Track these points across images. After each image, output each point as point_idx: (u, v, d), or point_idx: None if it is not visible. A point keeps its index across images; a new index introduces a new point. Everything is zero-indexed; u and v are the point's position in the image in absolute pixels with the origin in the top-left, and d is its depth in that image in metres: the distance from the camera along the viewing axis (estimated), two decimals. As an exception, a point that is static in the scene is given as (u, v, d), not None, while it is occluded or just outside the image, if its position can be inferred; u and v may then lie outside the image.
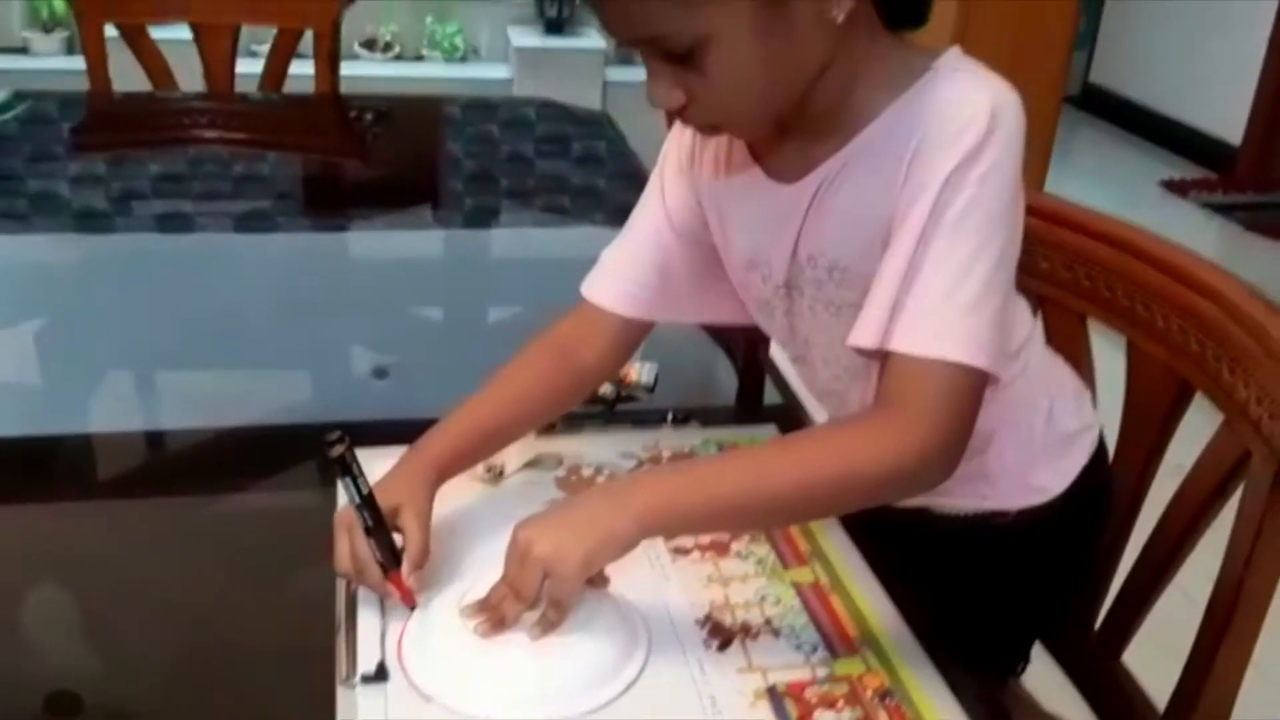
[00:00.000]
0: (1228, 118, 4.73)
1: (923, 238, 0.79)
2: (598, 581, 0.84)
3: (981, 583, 1.05)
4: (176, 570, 0.93)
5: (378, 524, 0.83)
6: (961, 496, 1.02)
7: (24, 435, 1.12)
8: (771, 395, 1.28)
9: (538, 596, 0.78)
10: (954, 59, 0.84)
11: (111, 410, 1.23)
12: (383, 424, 1.17)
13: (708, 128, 0.86)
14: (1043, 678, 1.17)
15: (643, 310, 1.00)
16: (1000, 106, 0.80)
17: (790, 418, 1.18)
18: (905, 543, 0.99)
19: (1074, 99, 5.46)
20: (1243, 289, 1.01)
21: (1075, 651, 1.16)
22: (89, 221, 1.76)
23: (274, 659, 0.85)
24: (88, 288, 1.50)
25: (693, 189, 0.98)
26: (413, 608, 0.84)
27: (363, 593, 0.86)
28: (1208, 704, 1.01)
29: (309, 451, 1.12)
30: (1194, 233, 4.11)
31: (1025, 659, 1.15)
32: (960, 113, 0.79)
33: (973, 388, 0.80)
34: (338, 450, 0.81)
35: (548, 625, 0.78)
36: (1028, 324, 1.04)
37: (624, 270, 0.99)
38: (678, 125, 0.95)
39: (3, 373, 1.32)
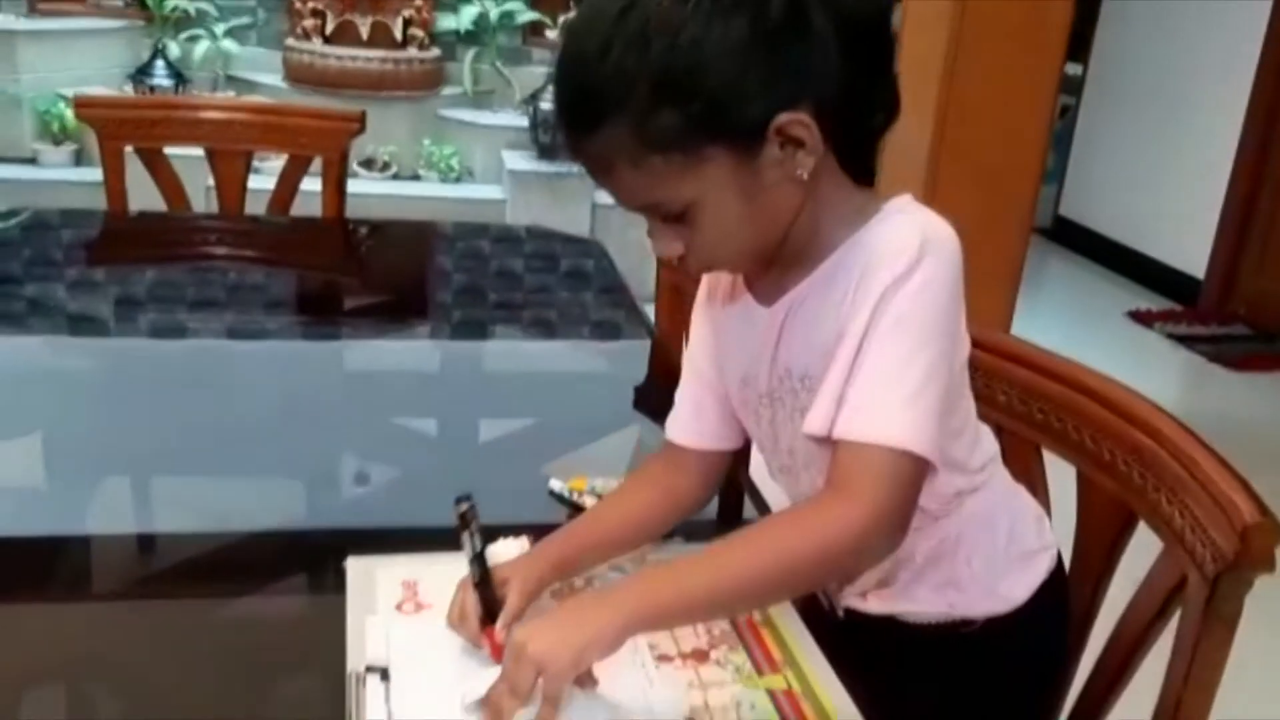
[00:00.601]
0: (1191, 251, 4.93)
1: (863, 341, 0.93)
2: (587, 684, 0.92)
3: (948, 691, 1.13)
4: (172, 673, 0.97)
5: (484, 580, 0.97)
6: (931, 604, 1.11)
7: (22, 535, 1.16)
8: (749, 511, 1.37)
9: (532, 693, 0.85)
10: (902, 203, 0.99)
11: (108, 514, 1.27)
12: (372, 532, 1.24)
13: (701, 269, 1.03)
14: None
15: (709, 441, 1.14)
16: (930, 236, 0.94)
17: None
18: (877, 650, 1.08)
19: (1045, 230, 5.68)
20: (1178, 426, 1.12)
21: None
22: (85, 326, 1.82)
23: (308, 684, 0.92)
24: (83, 392, 1.54)
25: (709, 323, 1.13)
26: (498, 661, 0.92)
27: (370, 691, 0.93)
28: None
29: (300, 557, 1.19)
30: (1158, 362, 4.26)
31: None
32: (896, 242, 0.94)
33: (911, 472, 0.91)
34: (463, 507, 0.96)
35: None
36: (991, 446, 1.15)
37: (684, 408, 1.15)
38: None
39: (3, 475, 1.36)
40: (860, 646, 1.08)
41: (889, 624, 1.12)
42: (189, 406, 1.49)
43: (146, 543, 1.23)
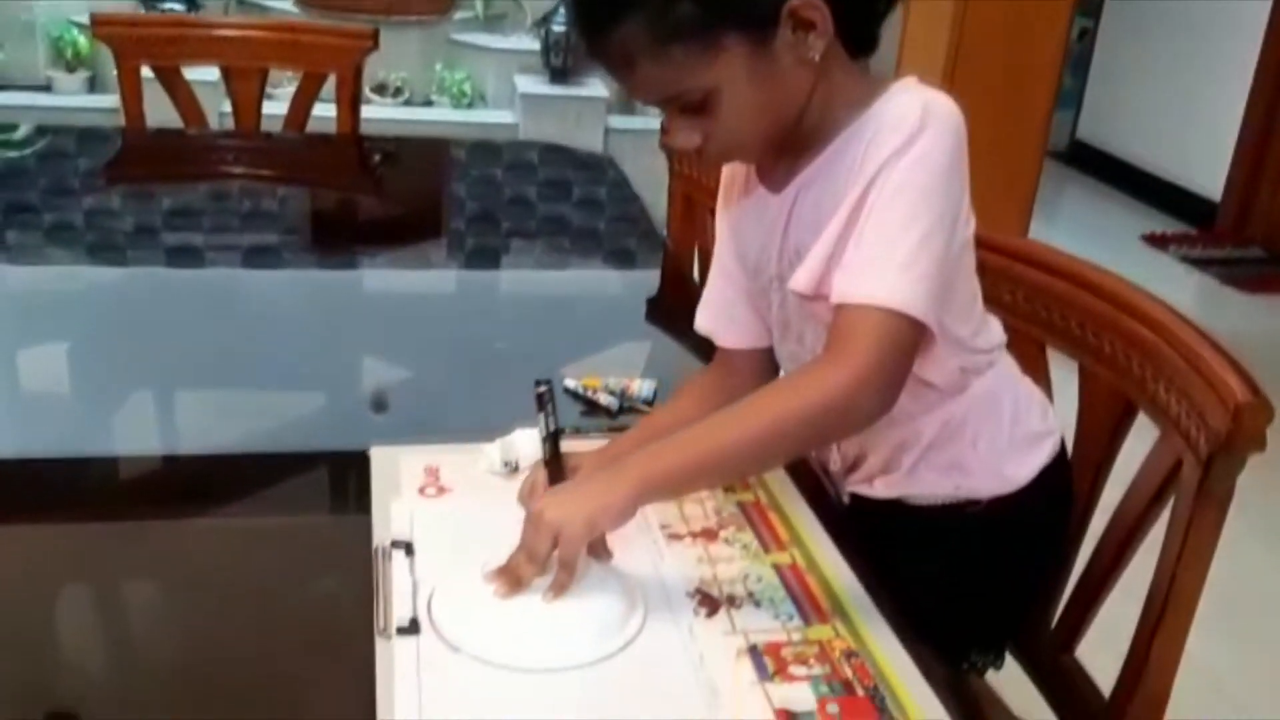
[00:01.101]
0: (1208, 174, 4.90)
1: (859, 206, 0.96)
2: (603, 556, 0.96)
3: (953, 569, 1.18)
4: (187, 592, 1.00)
5: (554, 457, 1.01)
6: (937, 487, 1.15)
7: (47, 456, 1.18)
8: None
9: (548, 561, 0.90)
10: (906, 83, 1.02)
11: (129, 435, 1.29)
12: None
13: (719, 159, 1.07)
14: (1002, 674, 1.29)
15: (748, 339, 1.19)
16: (931, 109, 0.96)
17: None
18: (883, 532, 1.13)
19: (1061, 155, 5.64)
20: (1176, 317, 1.15)
21: (1032, 645, 1.28)
22: (102, 255, 1.84)
23: (318, 630, 0.95)
24: (102, 320, 1.55)
25: (728, 223, 1.17)
26: None
27: (396, 564, 0.98)
28: (1146, 691, 1.13)
29: (318, 476, 1.23)
30: (1173, 285, 4.26)
31: (997, 655, 1.27)
32: (899, 115, 0.97)
33: (904, 334, 0.95)
34: (541, 389, 1.00)
35: (559, 587, 0.90)
36: (999, 333, 1.18)
37: (716, 309, 1.21)
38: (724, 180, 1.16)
39: (22, 385, 1.39)
40: (866, 530, 1.12)
41: (895, 507, 1.17)
42: (208, 334, 1.50)
43: (169, 462, 1.26)
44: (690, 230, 1.92)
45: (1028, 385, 1.21)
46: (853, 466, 1.19)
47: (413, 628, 0.90)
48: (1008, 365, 1.19)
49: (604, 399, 1.32)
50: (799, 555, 1.04)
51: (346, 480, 1.15)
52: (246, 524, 1.13)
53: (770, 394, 0.97)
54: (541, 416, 1.03)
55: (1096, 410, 1.24)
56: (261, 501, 1.16)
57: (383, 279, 1.87)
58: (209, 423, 1.31)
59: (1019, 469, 1.16)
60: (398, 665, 0.87)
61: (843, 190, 0.98)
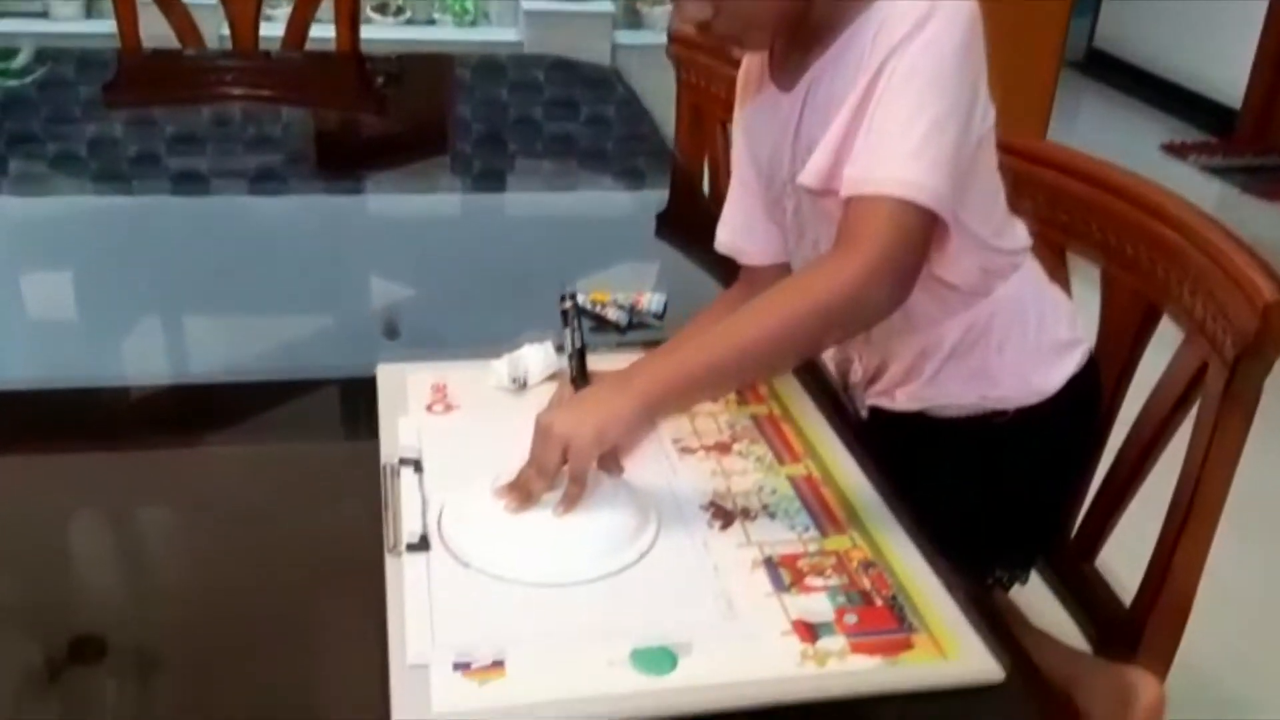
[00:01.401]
0: (1228, 82, 4.79)
1: (867, 95, 0.93)
2: (614, 471, 0.94)
3: (977, 483, 1.15)
4: (199, 516, 0.98)
5: (581, 374, 1.03)
6: (961, 397, 1.13)
7: (55, 386, 1.17)
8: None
9: (558, 474, 0.88)
10: None
11: (135, 364, 1.27)
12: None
13: (729, 35, 1.02)
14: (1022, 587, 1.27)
15: (773, 253, 1.16)
16: None
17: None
18: (904, 445, 1.10)
19: (1078, 64, 5.52)
20: (1201, 216, 1.11)
21: (1053, 554, 1.27)
22: (107, 184, 1.81)
23: (328, 550, 0.93)
24: (107, 243, 1.53)
25: (742, 130, 1.14)
26: None
27: (404, 481, 0.96)
28: (1169, 599, 1.11)
29: (327, 399, 1.20)
30: (1192, 194, 4.12)
31: (1023, 570, 1.25)
32: (908, 3, 0.93)
33: (915, 222, 0.91)
34: (567, 303, 1.02)
35: (570, 501, 0.89)
36: (1024, 236, 1.14)
37: (736, 222, 1.19)
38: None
39: (30, 314, 1.37)
40: (887, 445, 1.09)
41: (917, 421, 1.14)
42: (214, 260, 1.47)
43: (177, 390, 1.23)
44: (699, 142, 1.88)
45: (1055, 292, 1.18)
46: (874, 377, 1.16)
47: (422, 544, 0.89)
48: (1033, 270, 1.15)
49: (612, 314, 1.29)
50: (814, 467, 1.03)
51: (357, 403, 1.13)
52: (256, 450, 1.11)
53: (779, 293, 0.94)
54: (567, 332, 1.01)
55: (1119, 316, 1.21)
56: (270, 426, 1.14)
57: (388, 203, 1.85)
58: (217, 348, 1.29)
59: (1046, 378, 1.13)
60: (408, 582, 0.86)
61: (852, 82, 0.95)
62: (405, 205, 1.82)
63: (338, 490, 1.01)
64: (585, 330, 1.04)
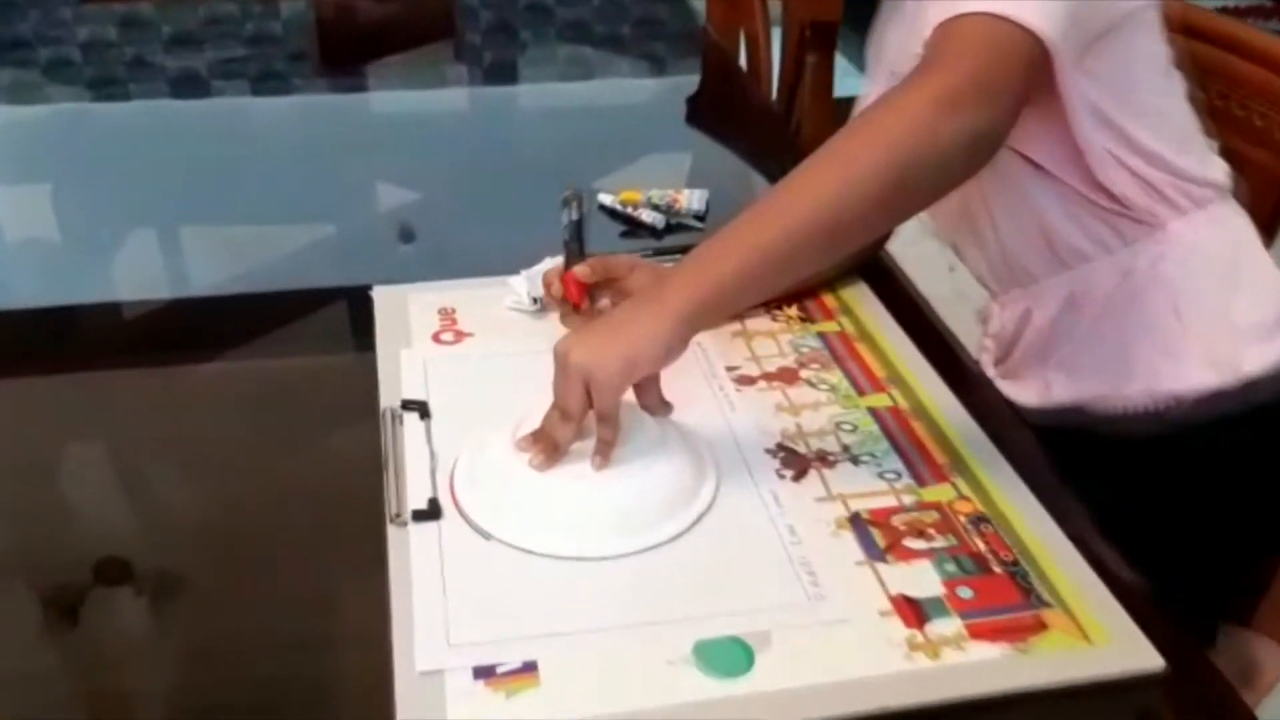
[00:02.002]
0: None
1: None
2: (660, 409, 0.77)
3: (1145, 509, 0.84)
4: (211, 432, 0.87)
5: (579, 252, 0.91)
6: (1129, 379, 0.89)
7: (52, 305, 1.07)
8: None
9: (585, 416, 0.71)
10: None
11: (131, 278, 1.17)
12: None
13: None
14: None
15: None
16: None
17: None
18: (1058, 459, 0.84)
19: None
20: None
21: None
22: (104, 90, 1.70)
23: (319, 509, 0.79)
24: (104, 152, 1.42)
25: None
26: (576, 306, 0.90)
27: (408, 430, 0.80)
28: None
29: (335, 313, 1.06)
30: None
31: (1208, 635, 0.95)
32: None
33: (1013, 42, 0.71)
34: (569, 190, 0.91)
35: (603, 448, 0.72)
36: (1218, 169, 0.91)
37: None
38: None
39: (27, 231, 1.26)
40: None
41: (1065, 430, 0.90)
42: (212, 168, 1.35)
43: (173, 306, 1.11)
44: (734, 14, 1.67)
45: (1267, 260, 0.93)
46: (1013, 340, 0.97)
47: (432, 511, 0.73)
48: (1235, 219, 0.92)
49: (647, 216, 1.11)
50: (901, 397, 0.85)
51: (365, 318, 0.98)
52: (259, 365, 0.98)
53: (835, 143, 0.72)
54: (565, 211, 0.89)
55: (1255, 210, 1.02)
56: (272, 342, 1.01)
57: (394, 100, 1.70)
58: (217, 261, 1.18)
59: (1242, 359, 0.88)
60: (415, 560, 0.70)
61: None
62: (412, 102, 1.67)
63: (342, 414, 0.87)
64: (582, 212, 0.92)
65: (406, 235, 1.25)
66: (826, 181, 0.70)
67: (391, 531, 0.72)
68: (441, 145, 1.47)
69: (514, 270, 0.96)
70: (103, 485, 0.84)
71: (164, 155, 1.40)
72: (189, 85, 1.70)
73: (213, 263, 1.18)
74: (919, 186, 0.71)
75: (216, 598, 0.72)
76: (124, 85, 1.72)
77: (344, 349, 1.01)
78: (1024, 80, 0.72)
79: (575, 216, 0.91)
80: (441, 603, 0.66)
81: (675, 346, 0.71)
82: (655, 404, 0.76)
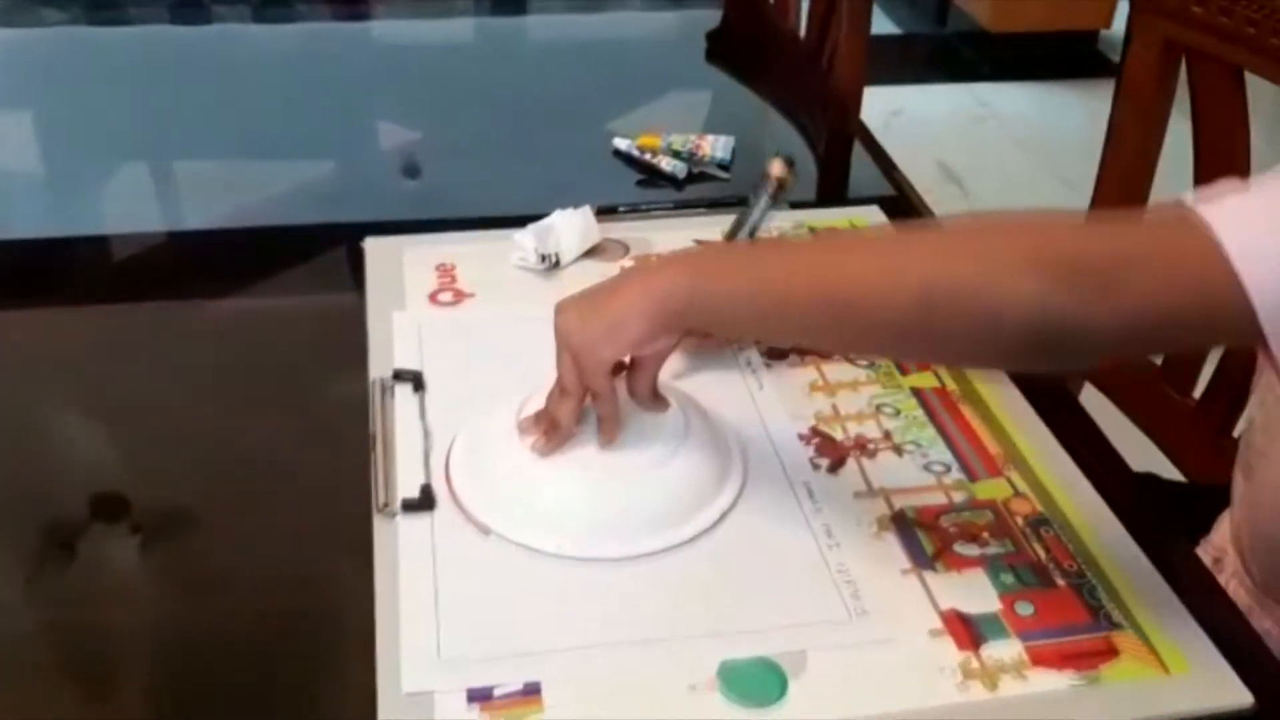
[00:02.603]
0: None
1: None
2: (649, 404, 0.66)
3: None
4: (202, 372, 0.82)
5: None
6: None
7: (41, 236, 1.01)
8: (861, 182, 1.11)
9: (584, 390, 0.63)
10: None
11: (124, 211, 1.10)
12: (410, 224, 1.03)
13: None
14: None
15: None
16: None
17: (894, 202, 1.01)
18: None
19: None
20: None
21: None
22: (102, 13, 1.61)
23: (314, 446, 0.73)
24: (100, 81, 1.34)
25: None
26: None
27: (400, 406, 0.72)
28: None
29: (335, 250, 0.98)
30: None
31: None
32: None
33: (1211, 290, 0.51)
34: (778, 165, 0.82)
35: (605, 425, 0.64)
36: None
37: None
38: None
39: (19, 161, 1.19)
40: None
41: None
42: (210, 98, 1.27)
43: (167, 241, 1.05)
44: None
45: None
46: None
47: (424, 501, 0.65)
48: None
49: (667, 164, 1.02)
50: (948, 376, 0.77)
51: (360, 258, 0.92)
52: (252, 304, 0.92)
53: (920, 232, 0.63)
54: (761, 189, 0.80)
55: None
56: (267, 280, 0.95)
57: (398, 30, 1.60)
58: (214, 194, 1.11)
59: None
60: (404, 558, 0.62)
61: None
62: (417, 32, 1.58)
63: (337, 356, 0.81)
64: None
65: (411, 170, 1.17)
66: (874, 263, 0.58)
67: (378, 523, 0.64)
68: (446, 78, 1.38)
69: (518, 216, 0.87)
70: (91, 423, 0.79)
71: (159, 82, 1.32)
72: (189, 10, 1.63)
73: (207, 196, 1.11)
74: (953, 335, 0.56)
75: (214, 534, 0.69)
76: (123, 9, 1.64)
77: (341, 288, 0.93)
78: (1179, 325, 0.54)
79: (771, 193, 0.81)
80: (433, 610, 0.59)
81: (662, 327, 0.61)
82: (644, 395, 0.66)
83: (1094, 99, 1.90)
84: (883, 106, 2.69)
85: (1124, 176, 1.09)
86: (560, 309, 0.63)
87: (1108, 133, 1.08)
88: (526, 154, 1.13)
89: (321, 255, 0.99)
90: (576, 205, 0.89)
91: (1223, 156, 1.02)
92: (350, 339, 0.80)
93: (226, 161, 1.17)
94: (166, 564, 0.68)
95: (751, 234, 0.83)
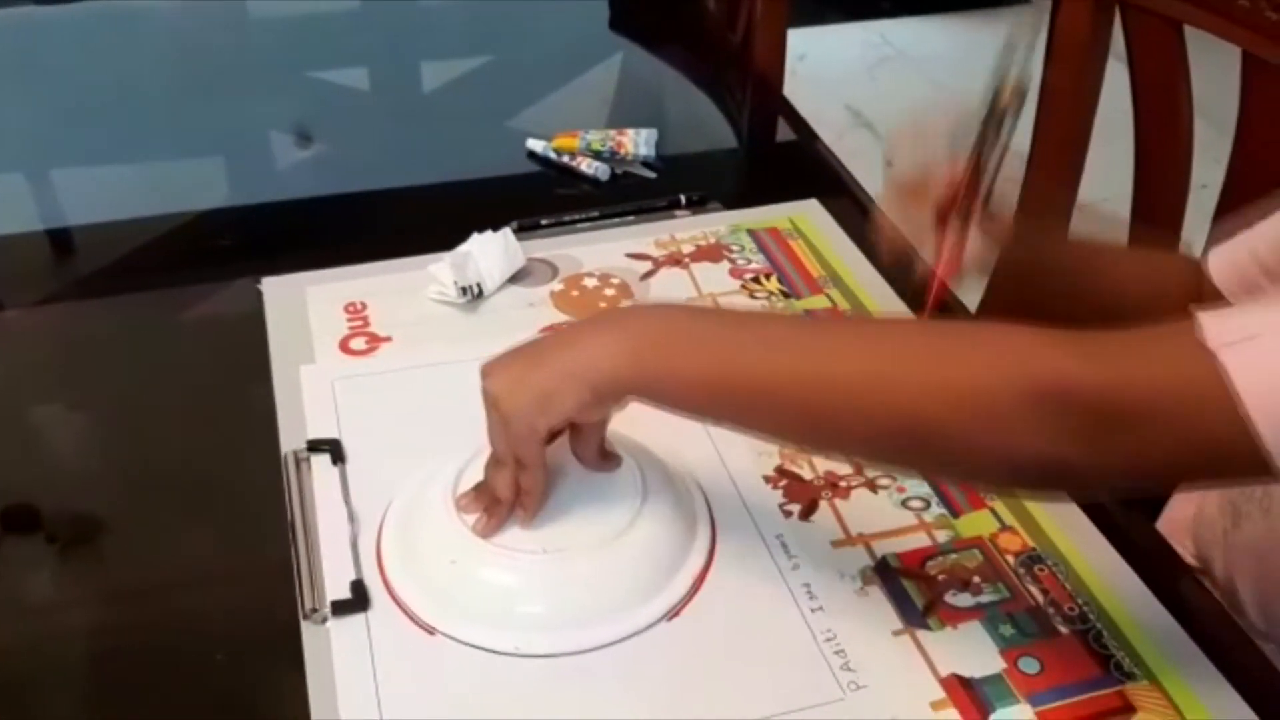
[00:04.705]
0: None
1: None
2: (595, 465, 0.59)
3: None
4: (112, 376, 0.77)
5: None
6: None
7: None
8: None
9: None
10: None
11: (4, 214, 0.99)
12: (311, 201, 0.98)
13: None
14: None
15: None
16: None
17: (827, 179, 0.94)
18: None
19: None
20: None
21: None
22: None
23: (223, 466, 0.69)
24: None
25: None
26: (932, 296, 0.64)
27: (318, 480, 0.64)
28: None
29: (234, 238, 0.91)
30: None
31: None
32: None
33: (1213, 427, 0.45)
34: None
35: (525, 499, 0.57)
36: None
37: None
38: None
39: None
40: None
41: None
42: (84, 81, 1.17)
43: (60, 238, 0.98)
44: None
45: None
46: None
47: (358, 600, 0.57)
48: None
49: (587, 165, 0.94)
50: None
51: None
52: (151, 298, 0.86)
53: (922, 333, 0.56)
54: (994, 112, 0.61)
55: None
56: (168, 274, 0.89)
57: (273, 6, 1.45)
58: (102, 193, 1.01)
59: None
60: (340, 665, 0.55)
61: None
62: (295, 8, 1.42)
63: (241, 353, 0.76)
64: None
65: (303, 139, 1.10)
66: (859, 368, 0.51)
67: (307, 630, 0.56)
68: (332, 45, 1.30)
69: (431, 239, 0.80)
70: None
71: (24, 67, 1.20)
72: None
73: (95, 192, 1.02)
74: (941, 456, 0.50)
75: (132, 540, 0.65)
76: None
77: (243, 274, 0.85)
78: (1190, 471, 0.51)
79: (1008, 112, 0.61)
80: (376, 709, 0.52)
81: (592, 403, 0.54)
82: (591, 458, 0.59)
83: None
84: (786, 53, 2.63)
85: (1060, 142, 1.05)
86: (487, 373, 0.56)
87: (1040, 96, 1.03)
88: (433, 152, 1.05)
89: (222, 242, 0.91)
90: (490, 219, 0.81)
91: (1164, 114, 0.98)
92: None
93: (107, 154, 1.07)
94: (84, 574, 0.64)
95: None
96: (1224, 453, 0.45)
